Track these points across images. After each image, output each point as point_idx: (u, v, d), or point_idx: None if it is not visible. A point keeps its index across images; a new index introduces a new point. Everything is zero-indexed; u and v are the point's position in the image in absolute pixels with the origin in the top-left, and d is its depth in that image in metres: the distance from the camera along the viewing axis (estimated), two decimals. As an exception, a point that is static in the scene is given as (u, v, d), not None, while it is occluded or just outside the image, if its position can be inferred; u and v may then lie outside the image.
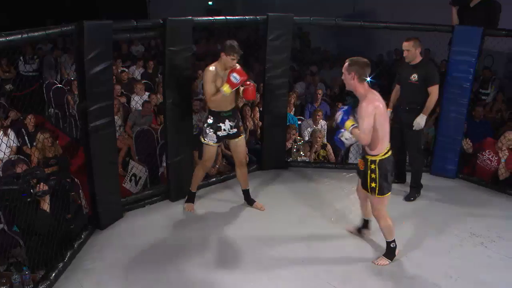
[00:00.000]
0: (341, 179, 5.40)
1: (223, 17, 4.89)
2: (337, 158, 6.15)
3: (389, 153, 3.57)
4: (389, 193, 3.65)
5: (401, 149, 5.01)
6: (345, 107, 3.74)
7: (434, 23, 5.55)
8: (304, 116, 7.09)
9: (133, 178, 5.39)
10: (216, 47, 10.78)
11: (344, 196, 4.95)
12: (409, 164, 5.20)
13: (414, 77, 4.77)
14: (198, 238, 4.12)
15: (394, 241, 3.76)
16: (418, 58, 4.82)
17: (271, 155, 5.57)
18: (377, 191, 3.58)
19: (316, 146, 5.87)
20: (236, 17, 5.37)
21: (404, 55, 4.85)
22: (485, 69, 8.58)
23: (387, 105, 5.09)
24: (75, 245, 3.84)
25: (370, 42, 10.34)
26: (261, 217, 4.48)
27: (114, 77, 7.26)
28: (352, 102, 7.42)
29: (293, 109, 7.02)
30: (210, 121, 4.32)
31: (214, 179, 5.22)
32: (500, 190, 5.20)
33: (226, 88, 4.08)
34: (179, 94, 4.58)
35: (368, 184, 3.59)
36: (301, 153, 5.87)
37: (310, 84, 8.05)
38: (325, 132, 6.38)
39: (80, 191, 4.64)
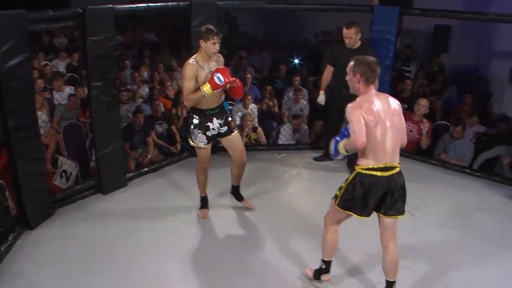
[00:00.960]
0: (273, 160, 5.55)
1: (145, 5, 4.78)
2: (269, 140, 6.27)
3: (383, 173, 2.91)
4: (352, 212, 3.05)
5: (337, 129, 5.16)
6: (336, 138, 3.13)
7: (356, 3, 5.77)
8: (234, 101, 7.12)
9: (63, 174, 5.21)
10: (143, 36, 10.57)
11: (276, 177, 5.09)
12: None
13: None
14: (131, 230, 4.08)
15: (325, 262, 3.31)
16: (358, 43, 4.94)
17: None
18: (336, 201, 3.08)
19: (247, 129, 5.94)
20: (159, 4, 5.27)
21: (346, 42, 4.93)
22: (407, 47, 9.00)
23: (320, 87, 5.29)
24: (2, 248, 3.67)
25: (298, 25, 10.50)
26: (195, 206, 4.46)
27: (36, 71, 6.94)
28: (282, 84, 7.59)
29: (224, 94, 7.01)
30: (195, 121, 3.91)
31: (146, 168, 5.17)
32: (422, 159, 5.54)
33: (206, 89, 3.69)
34: (104, 85, 4.45)
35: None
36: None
37: (238, 69, 8.09)
38: (256, 115, 6.45)
39: (6, 192, 4.44)
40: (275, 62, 8.51)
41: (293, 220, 4.28)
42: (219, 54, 3.91)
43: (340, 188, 3.06)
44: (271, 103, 6.84)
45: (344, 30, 4.89)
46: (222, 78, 3.68)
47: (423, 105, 5.67)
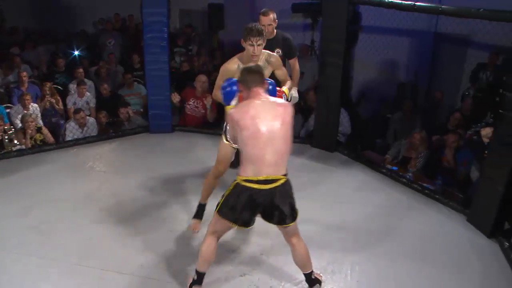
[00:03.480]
0: (62, 158, 5.28)
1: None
2: (59, 139, 5.94)
3: (263, 186, 2.74)
4: (231, 222, 2.86)
5: None
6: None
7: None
8: (12, 102, 6.53)
9: None
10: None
11: (68, 173, 4.88)
12: None
13: (278, 51, 4.32)
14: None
15: (198, 274, 3.02)
16: (275, 32, 4.47)
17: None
18: (217, 208, 2.90)
19: (30, 131, 5.52)
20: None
21: (268, 30, 4.21)
22: (187, 27, 9.29)
23: None
24: None
25: (76, 15, 9.97)
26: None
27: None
28: (64, 79, 7.20)
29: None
30: None
31: None
32: (210, 132, 5.84)
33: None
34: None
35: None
36: (16, 142, 5.45)
37: (11, 69, 7.38)
38: (39, 115, 6.03)
39: None
40: (52, 56, 7.98)
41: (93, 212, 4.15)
42: (272, 54, 3.59)
43: (222, 196, 2.88)
44: (53, 100, 6.43)
45: (263, 17, 4.29)
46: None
47: (203, 81, 5.97)
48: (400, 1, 4.45)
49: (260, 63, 3.46)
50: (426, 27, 7.21)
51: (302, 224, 3.02)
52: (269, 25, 4.28)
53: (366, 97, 7.33)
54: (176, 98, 5.88)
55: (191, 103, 6.04)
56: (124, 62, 8.13)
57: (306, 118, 6.09)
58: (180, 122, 6.16)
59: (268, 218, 2.89)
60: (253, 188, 2.74)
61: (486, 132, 4.46)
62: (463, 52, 7.27)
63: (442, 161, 5.18)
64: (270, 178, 2.74)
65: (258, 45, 3.33)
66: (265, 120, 2.72)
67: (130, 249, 3.59)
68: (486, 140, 4.44)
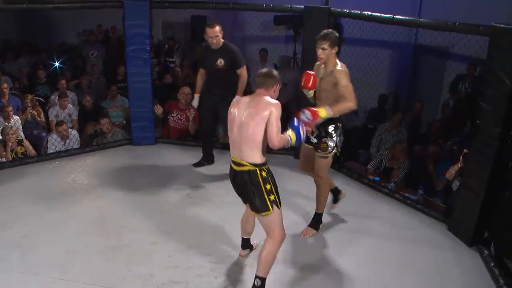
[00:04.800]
0: (43, 172, 5.22)
1: None
2: (41, 151, 5.88)
3: (235, 167, 3.12)
4: None
5: (212, 130, 5.31)
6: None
7: None
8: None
9: None
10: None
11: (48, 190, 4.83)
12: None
13: (221, 62, 4.77)
14: None
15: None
16: (221, 42, 4.77)
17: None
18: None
19: (10, 144, 5.45)
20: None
21: (212, 42, 4.71)
22: (169, 39, 9.30)
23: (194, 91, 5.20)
24: None
25: (58, 26, 9.92)
26: None
27: None
28: (45, 91, 7.15)
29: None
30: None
31: None
32: (193, 144, 5.86)
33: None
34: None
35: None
36: (-4, 155, 5.39)
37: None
38: (20, 127, 5.97)
39: None
40: (33, 68, 7.92)
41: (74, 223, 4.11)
42: (337, 68, 3.60)
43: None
44: (35, 112, 6.39)
45: (208, 30, 4.68)
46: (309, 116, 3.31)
47: (187, 93, 5.99)
48: (379, 14, 4.54)
49: (327, 69, 3.65)
50: (406, 39, 7.35)
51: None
52: (216, 36, 4.66)
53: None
54: (159, 110, 5.88)
55: (174, 115, 6.04)
56: (107, 74, 8.11)
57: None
58: (163, 134, 6.15)
59: (244, 199, 3.23)
60: (231, 167, 3.15)
61: (450, 173, 4.63)
62: (443, 64, 7.42)
63: (424, 171, 5.26)
64: (237, 161, 3.08)
65: (321, 49, 3.56)
66: (241, 110, 3.05)
67: (112, 262, 3.56)
68: (450, 176, 4.63)
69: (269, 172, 3.10)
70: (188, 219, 4.23)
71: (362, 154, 6.44)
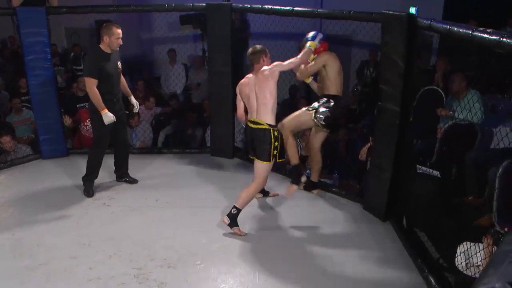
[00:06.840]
0: None
1: None
2: None
3: (251, 125, 3.91)
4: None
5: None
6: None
7: None
8: None
9: None
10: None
11: None
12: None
13: (120, 65, 4.69)
14: None
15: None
16: None
17: None
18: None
19: None
20: None
21: (118, 43, 4.46)
22: (75, 46, 8.94)
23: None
24: None
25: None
26: None
27: None
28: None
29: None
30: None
31: None
32: (108, 152, 5.60)
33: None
34: None
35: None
36: None
37: None
38: None
39: None
40: None
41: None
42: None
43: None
44: None
45: (118, 30, 4.43)
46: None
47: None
48: (279, 7, 4.65)
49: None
50: (311, 29, 7.56)
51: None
52: (121, 38, 4.48)
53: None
54: (67, 120, 5.65)
55: (87, 123, 5.80)
56: (9, 87, 7.65)
57: (205, 128, 6.14)
58: (75, 144, 5.91)
59: (252, 150, 3.99)
60: (247, 125, 3.99)
61: (362, 154, 4.96)
62: (348, 51, 7.73)
63: (337, 155, 5.46)
64: (256, 120, 3.87)
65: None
66: (252, 81, 3.89)
67: (28, 283, 3.36)
68: (363, 158, 4.93)
69: (279, 133, 3.91)
70: (107, 228, 4.11)
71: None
